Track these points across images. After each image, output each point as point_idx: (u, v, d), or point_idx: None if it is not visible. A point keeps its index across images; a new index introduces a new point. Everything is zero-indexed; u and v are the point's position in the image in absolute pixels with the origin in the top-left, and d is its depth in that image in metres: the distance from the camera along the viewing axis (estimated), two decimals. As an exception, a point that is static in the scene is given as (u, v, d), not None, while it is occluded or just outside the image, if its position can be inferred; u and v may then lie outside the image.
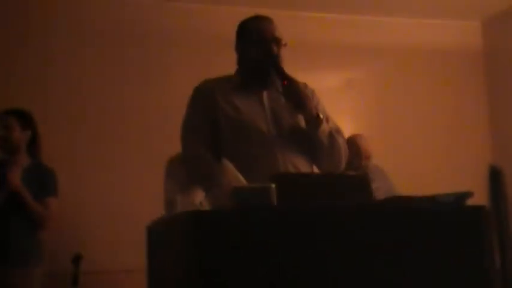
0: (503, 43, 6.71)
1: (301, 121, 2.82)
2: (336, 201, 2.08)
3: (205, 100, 2.87)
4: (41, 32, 5.55)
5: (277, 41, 2.84)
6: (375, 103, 6.51)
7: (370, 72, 6.58)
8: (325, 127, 2.79)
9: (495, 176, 7.07)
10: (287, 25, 6.44)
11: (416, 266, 2.13)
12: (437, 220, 2.24)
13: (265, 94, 2.86)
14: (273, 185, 2.02)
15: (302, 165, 2.75)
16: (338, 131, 2.89)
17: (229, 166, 2.22)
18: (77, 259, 4.79)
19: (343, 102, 6.25)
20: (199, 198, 2.60)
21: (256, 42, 2.84)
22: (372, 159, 5.11)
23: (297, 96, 2.75)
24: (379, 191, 4.63)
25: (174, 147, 3.28)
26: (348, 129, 6.64)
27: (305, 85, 2.92)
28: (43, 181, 4.33)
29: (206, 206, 2.26)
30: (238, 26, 2.97)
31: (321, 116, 2.77)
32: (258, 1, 5.93)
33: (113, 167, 5.42)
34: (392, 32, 6.60)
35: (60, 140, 5.32)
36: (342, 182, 2.13)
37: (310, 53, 6.18)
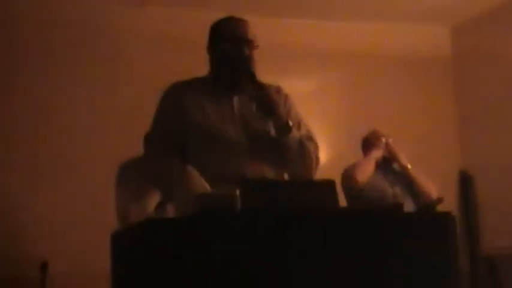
0: (472, 50, 6.74)
1: (272, 128, 2.74)
2: (301, 206, 2.03)
3: (173, 104, 2.78)
4: (9, 31, 5.49)
5: (250, 43, 2.76)
6: (346, 109, 6.50)
7: (341, 77, 6.57)
8: (294, 134, 2.72)
9: (465, 181, 7.15)
10: (259, 30, 6.44)
11: (384, 272, 2.10)
12: (405, 226, 2.20)
13: (235, 99, 2.78)
14: (237, 191, 1.97)
15: (270, 172, 2.68)
16: (310, 137, 2.83)
17: (193, 172, 2.17)
18: (43, 266, 4.85)
19: (315, 108, 6.22)
20: (153, 206, 2.56)
21: (227, 43, 2.76)
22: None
23: (268, 102, 2.66)
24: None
25: (140, 151, 3.22)
26: (317, 134, 6.63)
27: (278, 89, 2.86)
28: None
29: (171, 212, 2.20)
30: (211, 27, 2.90)
31: (291, 124, 2.70)
32: (230, 7, 5.89)
33: (77, 172, 5.36)
34: (363, 37, 6.59)
35: (20, 144, 5.29)
36: (307, 188, 2.09)
37: (282, 58, 6.15)
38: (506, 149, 6.22)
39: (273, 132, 2.72)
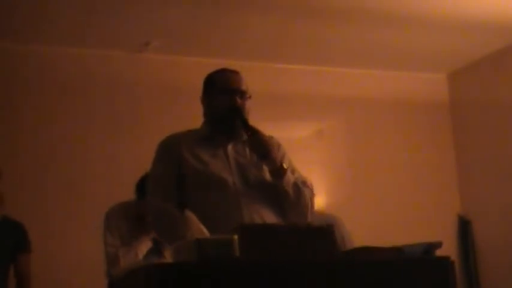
0: (468, 95, 6.77)
1: (267, 173, 2.77)
2: (301, 252, 2.01)
3: (170, 154, 2.81)
4: (9, 82, 5.50)
5: (242, 93, 2.81)
6: (345, 154, 6.50)
7: (340, 123, 6.59)
8: (289, 177, 2.75)
9: (464, 226, 7.10)
10: (258, 76, 6.49)
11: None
12: (404, 271, 2.18)
13: (230, 146, 2.81)
14: (235, 237, 1.95)
15: (268, 217, 2.68)
16: (304, 182, 2.84)
17: (192, 218, 2.15)
18: None
19: (313, 153, 6.22)
20: (142, 252, 2.53)
21: (221, 94, 2.81)
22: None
23: (261, 147, 2.71)
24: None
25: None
26: (317, 179, 6.62)
27: (271, 137, 2.88)
28: (16, 237, 4.18)
29: (169, 259, 2.17)
30: (205, 78, 2.95)
31: (285, 166, 2.73)
32: (229, 53, 5.96)
33: (83, 219, 5.23)
34: (362, 84, 6.63)
35: (27, 193, 5.24)
36: (307, 234, 2.07)
37: (281, 104, 6.18)
38: (503, 194, 6.20)
39: (268, 177, 2.74)
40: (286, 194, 2.72)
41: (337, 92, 6.54)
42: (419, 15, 5.51)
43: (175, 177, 2.75)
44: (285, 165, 2.73)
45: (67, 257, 5.19)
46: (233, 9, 5.23)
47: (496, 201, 6.28)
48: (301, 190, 2.77)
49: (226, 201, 2.64)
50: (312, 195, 2.84)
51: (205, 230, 2.10)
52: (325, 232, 2.09)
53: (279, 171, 2.72)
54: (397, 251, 2.32)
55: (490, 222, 6.36)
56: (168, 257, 2.08)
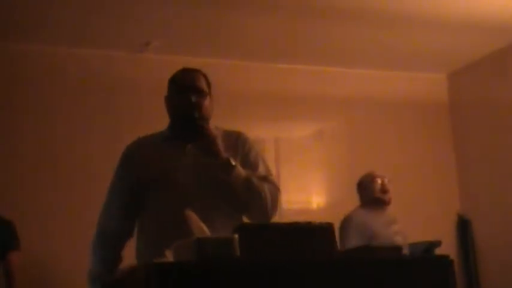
0: (468, 95, 6.78)
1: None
2: (301, 252, 2.00)
3: (127, 163, 2.90)
4: (9, 82, 5.50)
5: (198, 91, 2.78)
6: (345, 153, 6.50)
7: (341, 123, 6.58)
8: (240, 172, 2.70)
9: (463, 225, 7.11)
10: (259, 76, 6.47)
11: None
12: (404, 270, 2.17)
13: (189, 146, 2.80)
14: (236, 236, 1.95)
15: (218, 216, 2.63)
16: (264, 177, 2.79)
17: (193, 217, 2.15)
18: None
19: (313, 153, 6.22)
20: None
21: (177, 93, 2.81)
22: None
23: (207, 144, 2.69)
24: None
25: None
26: (317, 178, 6.62)
27: (239, 134, 2.89)
28: (5, 235, 4.19)
29: (170, 258, 2.16)
30: (168, 79, 2.93)
31: (232, 162, 2.68)
32: (229, 53, 5.96)
33: (82, 219, 5.23)
34: (362, 84, 6.63)
35: (28, 193, 5.23)
36: (306, 232, 2.06)
37: (282, 103, 6.18)
38: (503, 193, 6.21)
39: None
40: (236, 189, 2.69)
41: (337, 92, 6.54)
42: (419, 15, 5.51)
43: (130, 187, 2.82)
44: (232, 161, 2.68)
45: (66, 257, 5.16)
46: (233, 9, 5.23)
47: (496, 200, 6.28)
48: (254, 185, 2.71)
49: (177, 200, 2.62)
50: (275, 190, 2.79)
51: (205, 229, 2.10)
52: (324, 229, 2.08)
53: (226, 166, 2.67)
54: (397, 250, 2.33)
55: (489, 222, 6.36)
56: (169, 256, 2.08)
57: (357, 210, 4.66)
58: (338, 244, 4.23)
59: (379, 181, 4.68)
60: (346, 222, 4.52)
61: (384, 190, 4.66)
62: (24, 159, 5.37)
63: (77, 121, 5.61)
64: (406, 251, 4.34)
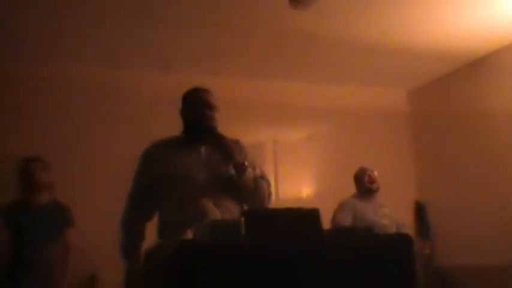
0: (426, 110, 6.78)
1: (232, 170, 2.81)
2: (293, 236, 2.02)
3: (149, 159, 2.86)
4: (39, 92, 5.19)
5: (210, 106, 2.85)
6: (328, 157, 6.50)
7: (323, 130, 6.58)
8: (250, 173, 2.79)
9: (419, 209, 7.08)
10: (255, 90, 6.35)
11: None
12: (374, 247, 2.18)
13: (203, 149, 2.84)
14: (242, 219, 1.95)
15: (230, 205, 2.71)
16: (262, 176, 2.89)
17: (210, 206, 2.15)
18: (92, 279, 4.58)
19: (303, 154, 6.20)
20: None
21: (193, 108, 2.86)
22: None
23: (225, 148, 2.77)
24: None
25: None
26: (307, 180, 6.61)
27: (236, 141, 2.93)
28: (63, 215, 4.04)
29: (190, 236, 2.17)
30: (182, 96, 2.98)
31: (246, 164, 2.78)
32: (239, 72, 5.85)
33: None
34: (338, 97, 6.58)
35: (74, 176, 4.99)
36: (298, 216, 2.08)
37: (275, 114, 6.17)
38: (452, 184, 6.24)
39: (233, 173, 2.79)
40: (247, 187, 2.77)
41: (320, 105, 6.52)
42: (383, 42, 5.51)
43: (149, 187, 2.80)
44: (246, 163, 2.78)
45: (106, 224, 4.98)
46: (223, 28, 5.01)
47: (446, 189, 6.30)
48: (259, 183, 2.83)
49: (194, 194, 2.65)
50: (268, 185, 2.90)
51: (219, 214, 2.10)
52: (311, 213, 2.10)
53: (240, 168, 2.76)
54: (368, 230, 2.36)
55: (441, 206, 6.38)
56: (189, 234, 2.09)
57: (350, 198, 4.75)
58: (331, 223, 4.26)
59: (367, 173, 4.77)
60: (340, 205, 4.61)
61: (371, 181, 4.73)
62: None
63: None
64: (393, 230, 4.43)
